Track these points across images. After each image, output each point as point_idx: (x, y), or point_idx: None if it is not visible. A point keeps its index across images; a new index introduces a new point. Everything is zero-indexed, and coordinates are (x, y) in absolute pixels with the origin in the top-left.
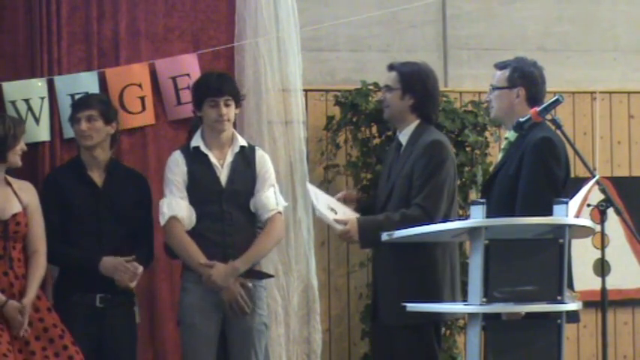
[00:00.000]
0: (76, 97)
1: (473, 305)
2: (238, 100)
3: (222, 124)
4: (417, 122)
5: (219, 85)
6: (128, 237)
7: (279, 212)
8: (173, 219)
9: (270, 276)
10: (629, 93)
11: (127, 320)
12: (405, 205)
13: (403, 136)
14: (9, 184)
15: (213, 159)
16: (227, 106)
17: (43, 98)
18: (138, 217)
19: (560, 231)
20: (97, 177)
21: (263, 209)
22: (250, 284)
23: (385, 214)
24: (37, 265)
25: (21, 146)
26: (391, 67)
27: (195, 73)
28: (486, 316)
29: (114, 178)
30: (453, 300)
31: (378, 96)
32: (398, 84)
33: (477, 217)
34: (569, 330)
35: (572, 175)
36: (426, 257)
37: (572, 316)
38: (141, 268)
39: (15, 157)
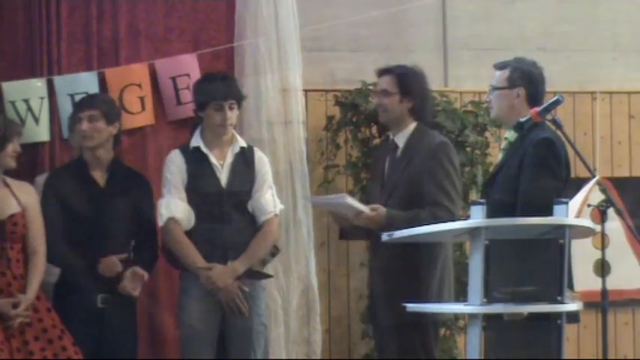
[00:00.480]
0: (76, 97)
1: (473, 305)
2: (241, 102)
3: (225, 128)
4: (414, 125)
5: (225, 89)
6: (131, 237)
7: (276, 215)
8: (171, 220)
9: (269, 276)
10: (629, 93)
11: (127, 321)
12: (408, 206)
13: (400, 139)
14: (7, 185)
15: (213, 159)
16: (231, 109)
17: (42, 98)
18: (140, 217)
19: (561, 231)
20: (100, 177)
21: (260, 211)
22: (247, 288)
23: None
24: (37, 265)
25: (13, 148)
26: (385, 72)
27: (195, 73)
28: (487, 317)
29: (116, 178)
30: (447, 300)
31: None
32: (396, 88)
33: (477, 217)
34: (569, 330)
35: (573, 176)
36: (421, 257)
37: (573, 317)
38: (146, 275)
39: (6, 159)
